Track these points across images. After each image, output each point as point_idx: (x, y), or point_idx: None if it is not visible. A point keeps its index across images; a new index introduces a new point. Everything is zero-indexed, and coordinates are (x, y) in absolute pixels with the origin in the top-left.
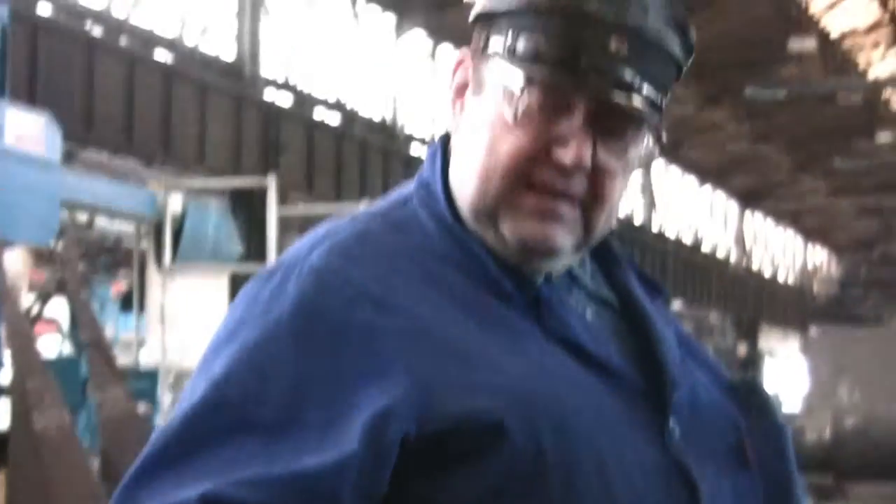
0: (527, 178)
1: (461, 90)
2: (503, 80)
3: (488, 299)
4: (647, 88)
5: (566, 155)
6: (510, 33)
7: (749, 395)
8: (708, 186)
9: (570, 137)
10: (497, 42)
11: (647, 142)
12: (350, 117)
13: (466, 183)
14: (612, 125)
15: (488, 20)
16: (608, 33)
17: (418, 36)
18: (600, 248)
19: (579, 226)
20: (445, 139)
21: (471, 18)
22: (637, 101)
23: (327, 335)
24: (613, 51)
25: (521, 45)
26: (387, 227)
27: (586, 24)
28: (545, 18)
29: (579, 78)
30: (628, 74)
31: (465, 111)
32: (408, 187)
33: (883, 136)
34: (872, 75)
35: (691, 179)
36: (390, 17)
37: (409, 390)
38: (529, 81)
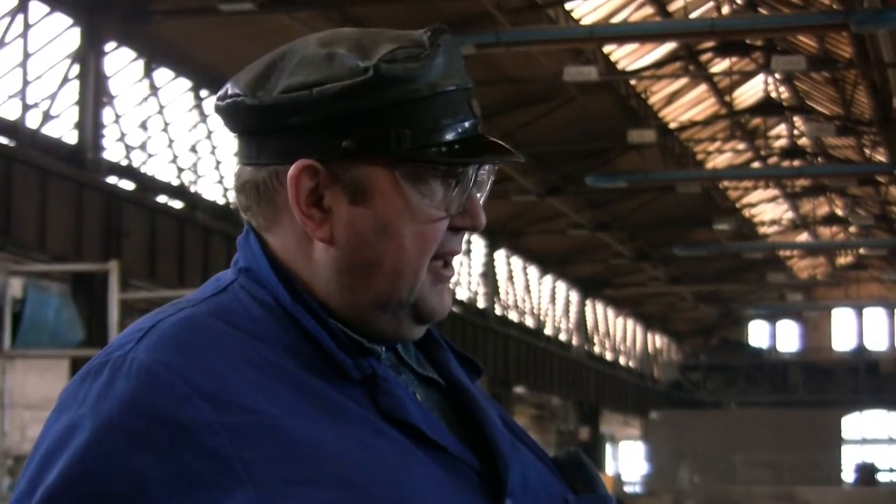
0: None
1: (315, 200)
2: (414, 177)
3: (321, 384)
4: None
5: (476, 220)
6: (392, 131)
7: (574, 470)
8: (549, 275)
9: (473, 204)
10: (372, 142)
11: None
12: (193, 202)
13: (372, 283)
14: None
15: (335, 124)
16: (468, 98)
17: None
18: None
19: None
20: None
21: (278, 125)
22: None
23: (162, 437)
24: (476, 112)
25: (411, 139)
26: (211, 313)
27: (454, 98)
28: (423, 105)
29: (475, 148)
30: (482, 126)
31: (340, 220)
32: (224, 275)
33: (720, 225)
34: (710, 166)
35: (533, 267)
36: None
37: (249, 490)
38: (448, 172)
